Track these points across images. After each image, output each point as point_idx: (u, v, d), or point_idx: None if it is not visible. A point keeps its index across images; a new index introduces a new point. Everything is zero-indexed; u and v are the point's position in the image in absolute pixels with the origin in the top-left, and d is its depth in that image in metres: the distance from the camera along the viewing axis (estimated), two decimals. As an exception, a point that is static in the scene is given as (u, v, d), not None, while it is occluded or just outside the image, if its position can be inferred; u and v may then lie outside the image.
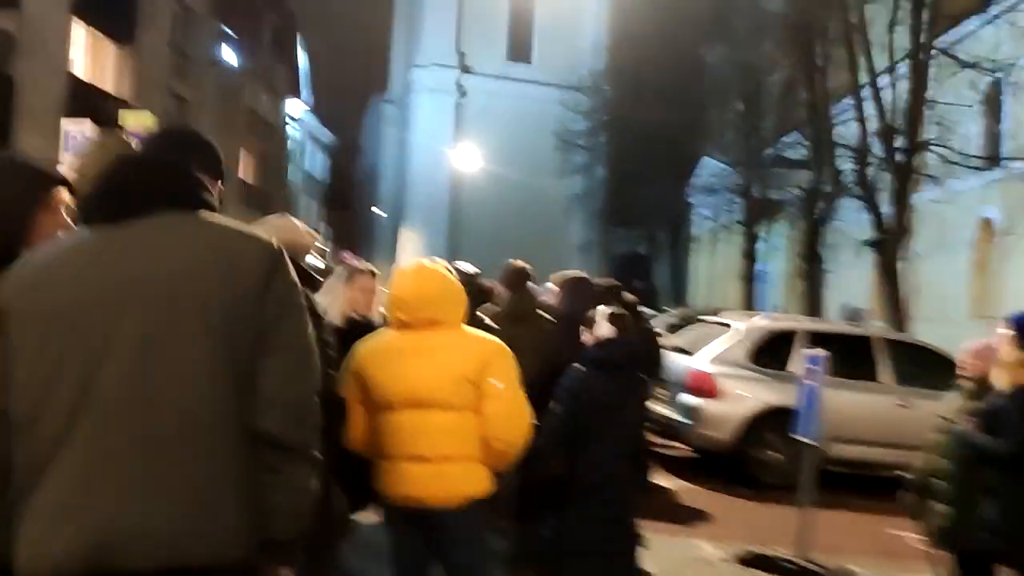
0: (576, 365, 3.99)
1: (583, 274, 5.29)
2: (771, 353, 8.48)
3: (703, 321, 10.38)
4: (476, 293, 5.10)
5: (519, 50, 45.08)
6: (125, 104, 19.81)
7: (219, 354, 1.70)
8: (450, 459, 3.01)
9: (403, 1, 47.40)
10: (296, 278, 1.87)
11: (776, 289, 29.37)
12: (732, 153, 25.96)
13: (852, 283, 22.77)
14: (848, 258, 19.47)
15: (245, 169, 30.27)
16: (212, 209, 1.89)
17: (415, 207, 44.07)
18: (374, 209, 45.68)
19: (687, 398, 8.40)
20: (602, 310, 4.09)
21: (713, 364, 8.43)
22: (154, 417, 1.65)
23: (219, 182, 2.07)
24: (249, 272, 1.77)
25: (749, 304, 24.69)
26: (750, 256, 25.32)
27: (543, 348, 4.62)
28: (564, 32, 42.82)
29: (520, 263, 5.55)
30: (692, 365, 8.51)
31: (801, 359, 6.21)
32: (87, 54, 18.72)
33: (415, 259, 3.29)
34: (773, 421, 8.05)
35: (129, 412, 1.65)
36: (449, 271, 3.24)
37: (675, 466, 8.89)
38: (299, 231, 3.06)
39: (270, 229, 2.93)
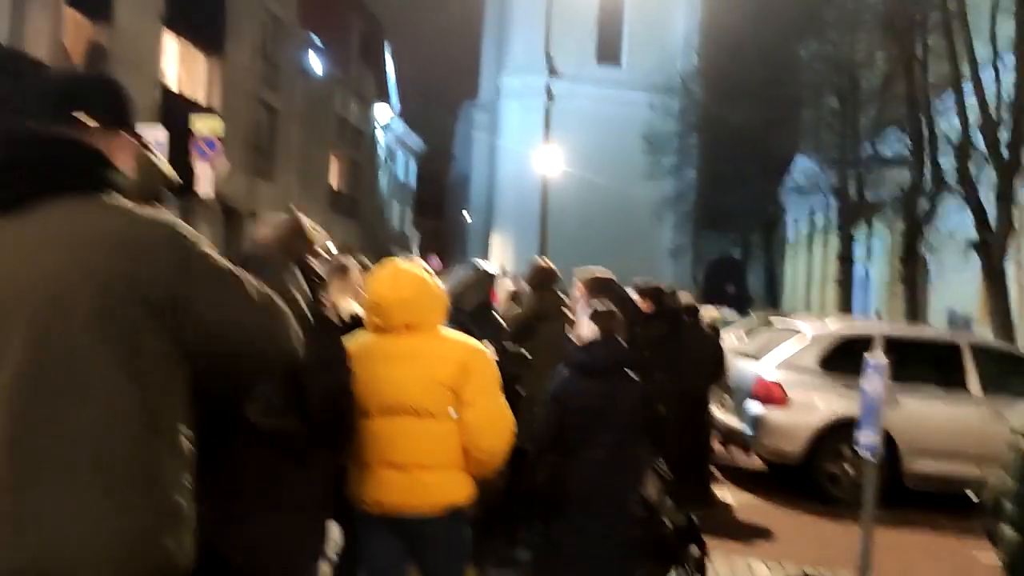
0: (560, 368, 3.78)
1: (608, 274, 5.04)
2: (845, 360, 7.87)
3: (773, 325, 9.82)
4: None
5: (608, 53, 44.89)
6: (216, 113, 20.46)
7: (125, 361, 1.51)
8: (427, 467, 2.90)
9: (493, 8, 47.82)
10: (212, 254, 1.66)
11: (876, 294, 28.02)
12: (826, 152, 25.03)
13: (959, 288, 21.38)
14: (954, 261, 18.28)
15: (334, 175, 30.89)
16: (113, 184, 1.64)
17: (505, 212, 44.37)
18: (464, 214, 46.12)
19: (752, 406, 7.92)
20: (583, 308, 3.86)
21: (780, 370, 7.92)
22: (49, 438, 1.47)
23: (126, 131, 1.74)
24: (155, 264, 1.55)
25: (847, 309, 23.73)
26: (847, 259, 24.33)
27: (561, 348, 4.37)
28: (654, 33, 42.29)
29: (544, 262, 5.40)
30: (757, 371, 8.02)
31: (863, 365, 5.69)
32: (178, 65, 19.39)
33: (392, 262, 3.16)
34: (845, 433, 7.46)
35: (21, 433, 1.47)
36: (428, 273, 3.10)
37: (741, 479, 8.41)
38: (301, 228, 2.91)
39: (272, 226, 2.88)
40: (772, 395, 7.79)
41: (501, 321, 4.64)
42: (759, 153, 29.58)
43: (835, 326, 8.59)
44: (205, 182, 10.92)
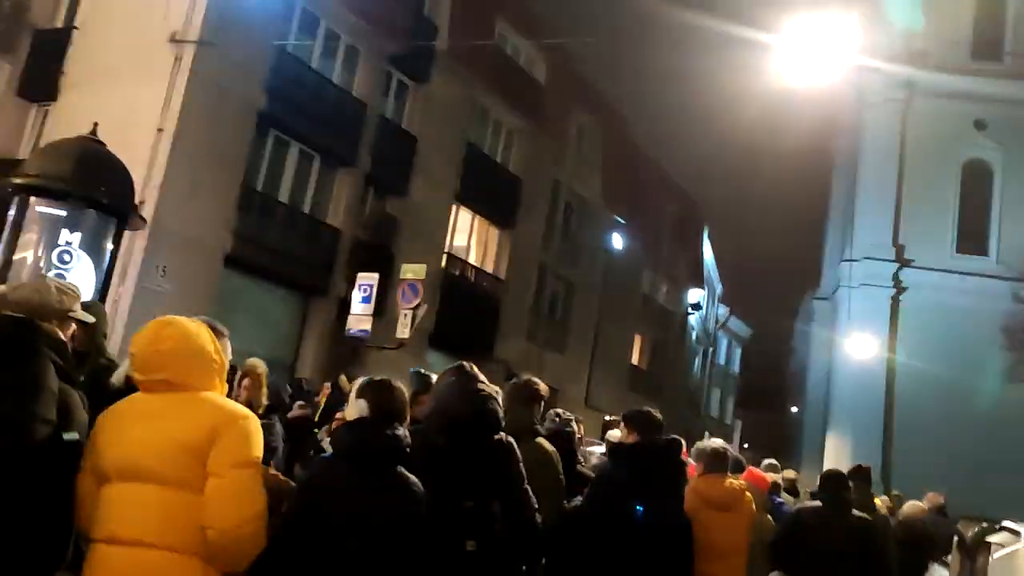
0: (322, 455, 3.17)
1: (530, 377, 4.30)
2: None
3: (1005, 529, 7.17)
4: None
5: (971, 240, 40.51)
6: (502, 282, 21.63)
7: None
8: (148, 545, 2.53)
9: (839, 197, 46.13)
10: None
11: None
12: None
13: None
14: None
15: (636, 354, 30.61)
16: None
17: (842, 411, 40.50)
18: (793, 409, 42.99)
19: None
20: (347, 383, 3.18)
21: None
22: None
23: None
24: None
25: None
26: None
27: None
28: (1026, 217, 37.44)
29: (527, 379, 4.49)
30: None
31: None
32: (468, 236, 21.00)
33: (162, 317, 2.90)
34: None
35: None
36: (204, 331, 2.85)
37: None
38: (47, 291, 2.91)
39: (13, 290, 2.96)
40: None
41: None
42: None
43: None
44: (404, 325, 11.32)
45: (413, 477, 2.95)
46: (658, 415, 4.65)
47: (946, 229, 40.71)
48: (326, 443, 4.00)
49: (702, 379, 38.07)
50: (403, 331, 11.65)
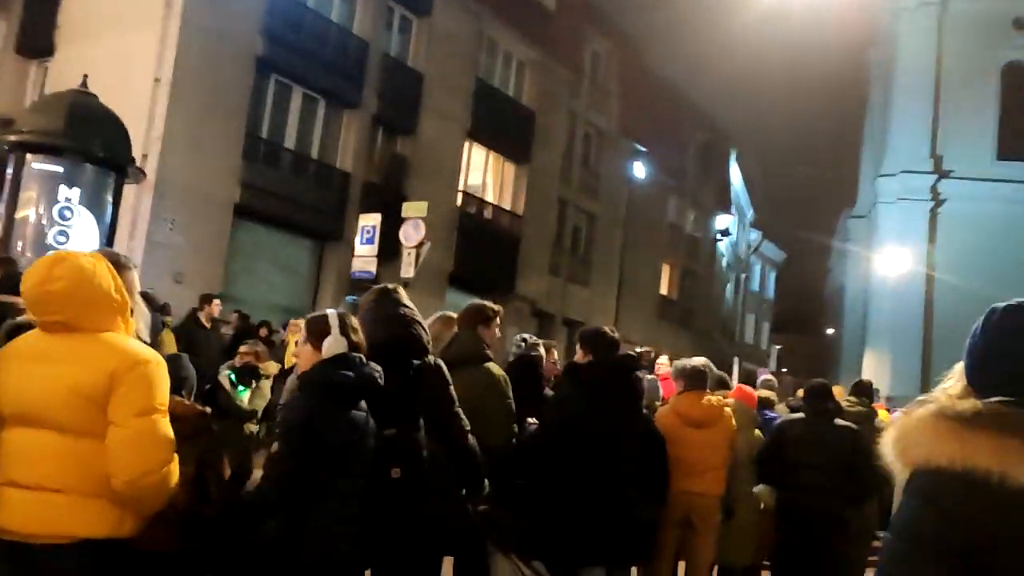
0: (299, 392, 3.08)
1: (482, 301, 4.29)
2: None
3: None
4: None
5: (1012, 146, 39.13)
6: (520, 218, 21.39)
7: None
8: (51, 490, 2.48)
9: (875, 109, 44.77)
10: None
11: None
12: None
13: None
14: None
15: (665, 283, 30.29)
16: None
17: (881, 328, 40.00)
18: (829, 331, 42.43)
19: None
20: (332, 314, 3.11)
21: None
22: None
23: None
24: None
25: None
26: None
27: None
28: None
29: (479, 303, 4.39)
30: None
31: None
32: (483, 173, 20.70)
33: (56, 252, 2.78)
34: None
35: None
36: (102, 266, 2.66)
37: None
38: None
39: None
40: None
41: None
42: None
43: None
44: (408, 264, 11.21)
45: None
46: (612, 333, 4.53)
47: (985, 136, 39.47)
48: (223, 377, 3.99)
49: (735, 306, 37.62)
50: (407, 270, 11.56)
